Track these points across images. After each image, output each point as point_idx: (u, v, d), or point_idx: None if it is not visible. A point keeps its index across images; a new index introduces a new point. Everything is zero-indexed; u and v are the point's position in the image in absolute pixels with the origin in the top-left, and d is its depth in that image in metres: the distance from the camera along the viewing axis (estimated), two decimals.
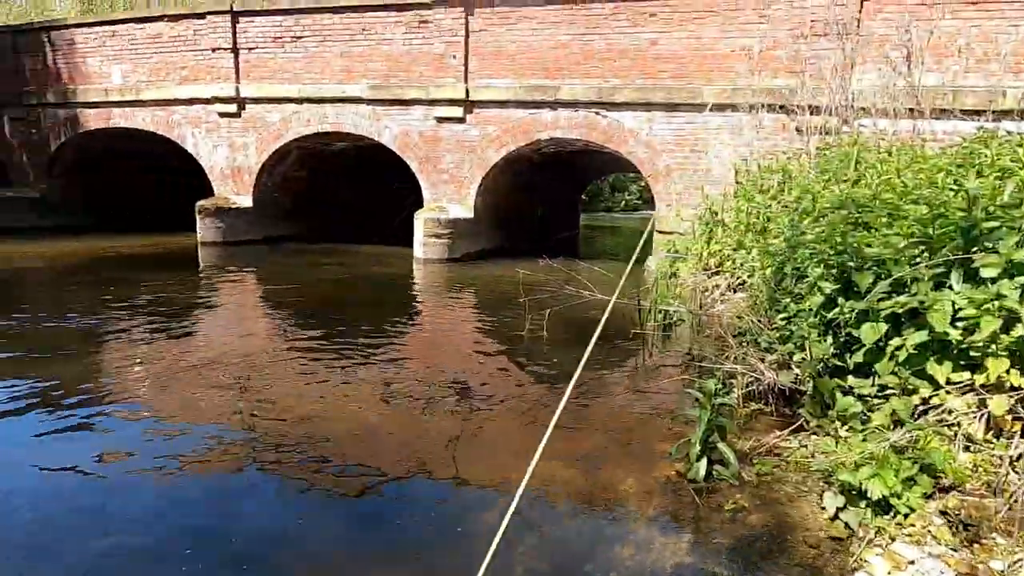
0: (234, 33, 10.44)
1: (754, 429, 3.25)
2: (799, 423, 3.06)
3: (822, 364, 3.00)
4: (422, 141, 9.96)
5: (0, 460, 3.00)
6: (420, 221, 9.75)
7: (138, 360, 4.54)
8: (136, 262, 9.30)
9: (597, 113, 9.07)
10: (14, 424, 3.38)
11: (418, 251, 9.81)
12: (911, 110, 6.65)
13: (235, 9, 10.42)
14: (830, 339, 3.05)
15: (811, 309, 3.14)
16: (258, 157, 10.85)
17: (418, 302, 7.57)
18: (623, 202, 37.12)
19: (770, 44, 8.03)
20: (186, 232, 11.47)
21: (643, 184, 41.80)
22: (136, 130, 11.61)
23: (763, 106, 7.58)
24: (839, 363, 3.00)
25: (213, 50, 10.55)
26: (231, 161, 11.02)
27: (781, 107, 7.52)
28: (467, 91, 9.48)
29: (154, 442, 3.16)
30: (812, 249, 3.48)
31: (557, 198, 14.86)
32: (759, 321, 3.94)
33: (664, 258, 8.20)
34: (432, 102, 9.71)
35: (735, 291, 6.45)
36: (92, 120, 11.80)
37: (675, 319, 5.65)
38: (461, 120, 9.67)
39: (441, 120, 9.76)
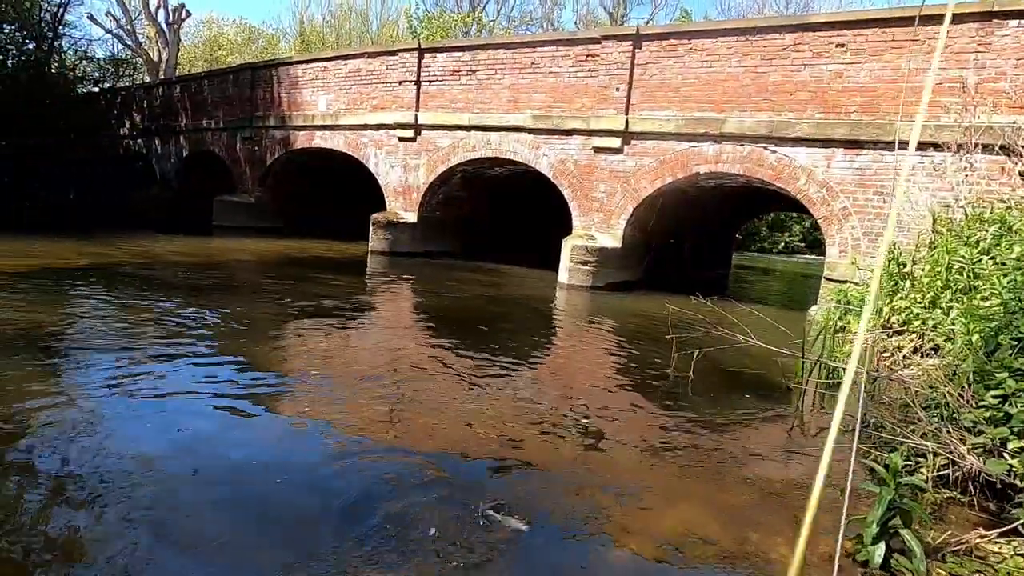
0: (419, 67, 11.64)
1: (946, 521, 2.75)
2: (1013, 526, 2.52)
3: None
4: (576, 170, 10.15)
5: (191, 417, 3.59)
6: (568, 247, 9.89)
7: (307, 350, 5.17)
8: (317, 263, 10.66)
9: (766, 148, 8.52)
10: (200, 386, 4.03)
11: (563, 276, 9.94)
12: None
13: (422, 46, 11.65)
14: None
15: None
16: (426, 177, 11.89)
17: (560, 327, 7.65)
18: (781, 243, 34.27)
19: (991, 76, 6.94)
20: (356, 240, 12.92)
21: (806, 225, 38.41)
22: (330, 150, 13.42)
23: (977, 145, 6.53)
24: None
25: (400, 82, 11.86)
26: (403, 180, 12.21)
27: (1002, 148, 6.43)
28: (627, 122, 9.49)
29: (306, 428, 3.55)
30: None
31: (710, 234, 14.16)
32: (960, 395, 3.35)
33: (833, 308, 7.39)
34: (591, 132, 9.87)
35: (923, 356, 5.57)
36: (300, 140, 13.89)
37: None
38: (618, 151, 9.69)
39: (598, 150, 9.87)
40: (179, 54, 27.35)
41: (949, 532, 2.51)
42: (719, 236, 15.80)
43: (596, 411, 4.17)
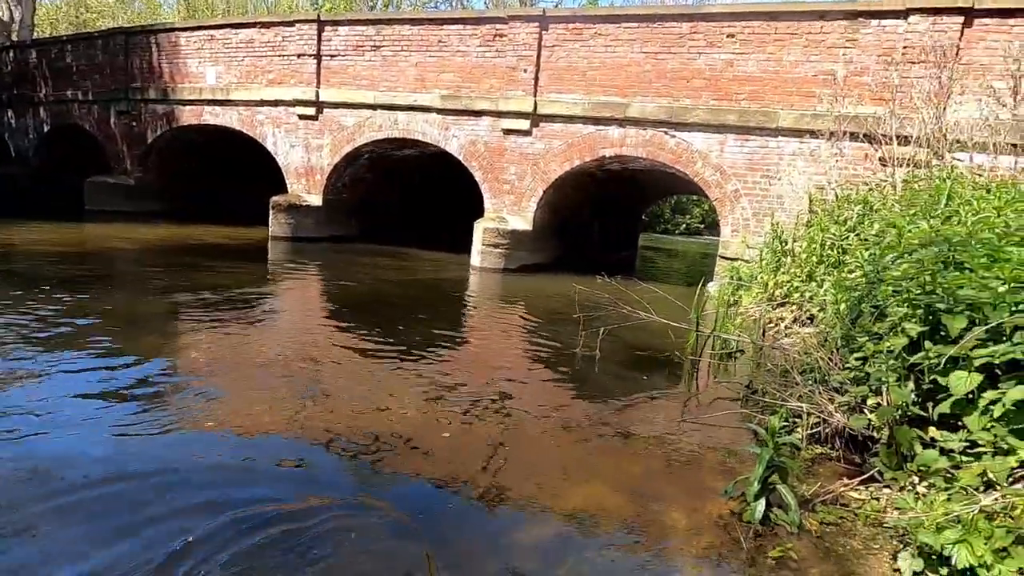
0: (319, 41, 10.97)
1: (817, 474, 3.03)
2: (870, 473, 2.83)
3: (901, 411, 2.76)
4: (487, 151, 10.08)
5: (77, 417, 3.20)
6: (479, 230, 9.84)
7: (201, 343, 4.77)
8: (211, 250, 9.85)
9: (666, 133, 8.90)
10: (87, 383, 3.61)
11: (475, 259, 9.89)
12: (1015, 145, 6.14)
13: (322, 18, 10.98)
14: (911, 385, 2.81)
15: (891, 351, 2.91)
16: (331, 158, 11.31)
17: (473, 309, 7.61)
18: (683, 225, 36.34)
19: (856, 70, 7.65)
20: (255, 225, 12.10)
21: (706, 208, 40.90)
22: (220, 127, 12.38)
23: (845, 133, 7.20)
24: (920, 412, 2.76)
25: (298, 56, 11.12)
26: (305, 161, 11.54)
27: (865, 136, 7.13)
28: (535, 104, 9.53)
29: (211, 416, 3.29)
30: (896, 286, 3.24)
31: (617, 216, 14.66)
32: (830, 359, 3.69)
33: (726, 285, 7.92)
34: (500, 114, 9.82)
35: (802, 325, 6.12)
36: (186, 116, 12.68)
37: (735, 349, 5.40)
38: (527, 133, 9.73)
39: (508, 132, 9.85)
40: (35, 14, 23.95)
41: (819, 484, 2.77)
42: (626, 218, 16.42)
43: (509, 391, 4.19)
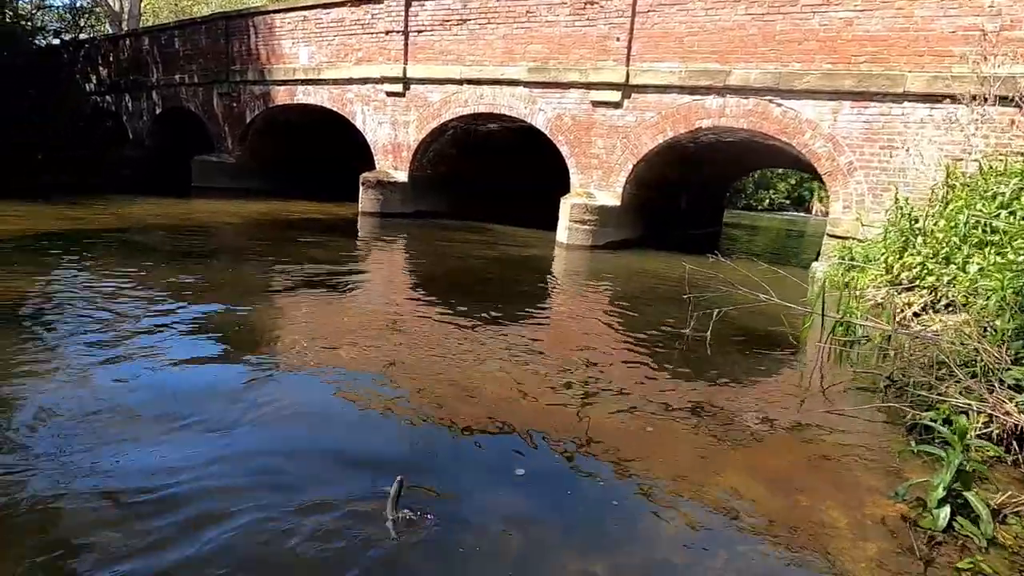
0: (406, 16, 11.01)
1: (991, 481, 2.71)
2: None
3: None
4: (574, 125, 9.81)
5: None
6: (567, 206, 9.65)
7: (297, 314, 4.96)
8: (306, 225, 10.28)
9: (771, 101, 8.27)
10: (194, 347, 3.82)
11: (561, 235, 9.74)
12: None
13: None
14: None
15: None
16: (416, 134, 11.42)
17: (563, 288, 7.49)
18: (767, 200, 34.38)
19: (1007, 23, 6.72)
20: (345, 202, 12.50)
21: (792, 182, 38.40)
22: (312, 106, 12.78)
23: (992, 97, 6.37)
24: None
25: (386, 33, 11.23)
26: (392, 137, 11.73)
27: (1017, 99, 6.28)
28: (627, 74, 9.13)
29: (306, 379, 3.39)
30: None
31: (703, 191, 14.00)
32: (996, 352, 3.28)
33: (836, 265, 7.34)
34: (589, 85, 9.50)
35: (934, 312, 5.55)
36: (280, 96, 13.20)
37: (860, 337, 4.97)
38: (618, 105, 9.36)
39: (597, 104, 9.53)
40: (142, 3, 25.67)
41: (1008, 494, 2.46)
42: (713, 193, 15.66)
43: (620, 375, 4.06)
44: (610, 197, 9.70)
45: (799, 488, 2.69)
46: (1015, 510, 2.37)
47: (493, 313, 5.30)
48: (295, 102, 13.00)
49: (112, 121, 17.26)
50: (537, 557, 2.11)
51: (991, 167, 5.84)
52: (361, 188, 11.58)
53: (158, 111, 16.34)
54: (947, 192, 6.13)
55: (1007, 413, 2.84)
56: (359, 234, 10.22)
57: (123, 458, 2.51)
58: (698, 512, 2.46)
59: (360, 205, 11.63)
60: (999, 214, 5.03)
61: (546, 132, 10.13)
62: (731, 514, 2.46)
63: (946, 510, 2.24)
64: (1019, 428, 2.85)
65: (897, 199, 6.68)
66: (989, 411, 2.92)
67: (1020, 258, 3.84)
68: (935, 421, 2.35)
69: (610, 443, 3.01)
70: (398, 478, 2.26)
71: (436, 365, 3.92)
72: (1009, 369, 3.13)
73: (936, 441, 2.66)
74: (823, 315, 4.68)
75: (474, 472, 2.70)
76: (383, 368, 3.83)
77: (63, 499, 2.21)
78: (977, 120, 6.72)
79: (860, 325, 4.83)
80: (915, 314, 5.79)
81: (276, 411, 3.09)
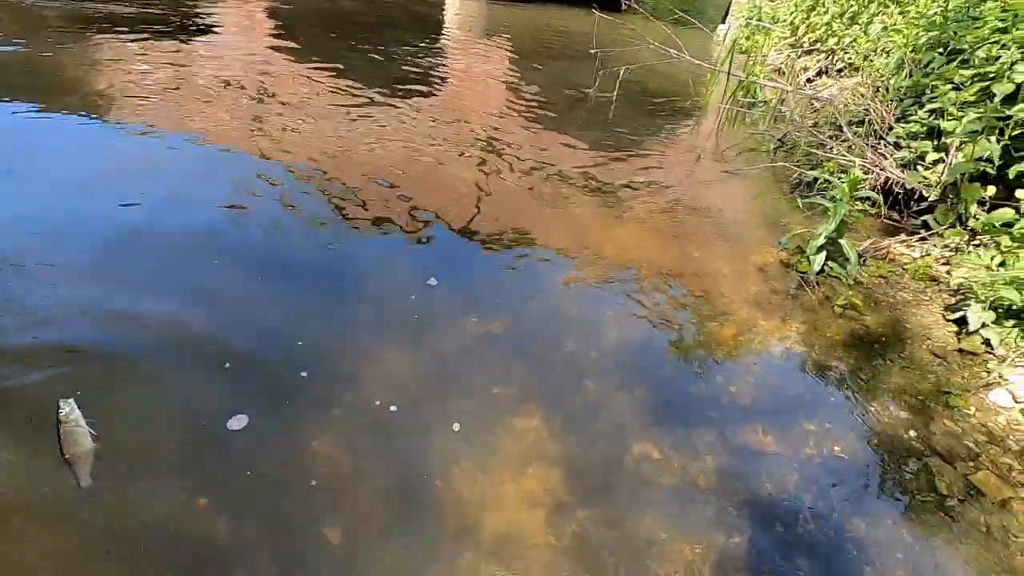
0: None
1: (857, 230, 2.97)
2: (924, 234, 2.76)
3: (974, 168, 2.57)
4: None
5: None
6: None
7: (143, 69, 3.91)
8: None
9: None
10: None
11: None
12: None
13: None
14: (994, 139, 2.57)
15: (985, 98, 2.58)
16: None
17: (458, 42, 6.54)
18: None
19: None
20: None
21: None
22: None
23: None
24: (987, 169, 2.57)
25: None
26: None
27: None
28: None
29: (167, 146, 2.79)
30: (1001, 22, 2.75)
31: None
32: (883, 112, 3.36)
33: (743, 27, 7.02)
34: None
35: (828, 76, 5.60)
36: None
37: (758, 100, 4.95)
38: None
39: None
40: None
41: (871, 240, 2.70)
42: None
43: (515, 140, 3.75)
44: None
45: (690, 241, 2.78)
46: (873, 254, 2.64)
47: (375, 72, 4.51)
48: None
49: None
50: (442, 325, 2.02)
51: None
52: None
53: None
54: None
55: (882, 169, 3.00)
56: None
57: None
58: (595, 268, 2.47)
59: None
60: None
61: None
62: (625, 267, 2.50)
63: (822, 256, 2.41)
64: (888, 182, 3.06)
65: None
66: (869, 166, 3.07)
67: (929, 12, 3.73)
68: (826, 175, 2.39)
69: (509, 214, 2.84)
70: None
71: (324, 140, 3.33)
72: (892, 128, 3.24)
73: (824, 196, 2.77)
74: (729, 74, 4.51)
75: (379, 247, 2.45)
76: (256, 140, 3.18)
77: None
78: None
79: (761, 86, 4.75)
80: (808, 80, 5.83)
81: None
